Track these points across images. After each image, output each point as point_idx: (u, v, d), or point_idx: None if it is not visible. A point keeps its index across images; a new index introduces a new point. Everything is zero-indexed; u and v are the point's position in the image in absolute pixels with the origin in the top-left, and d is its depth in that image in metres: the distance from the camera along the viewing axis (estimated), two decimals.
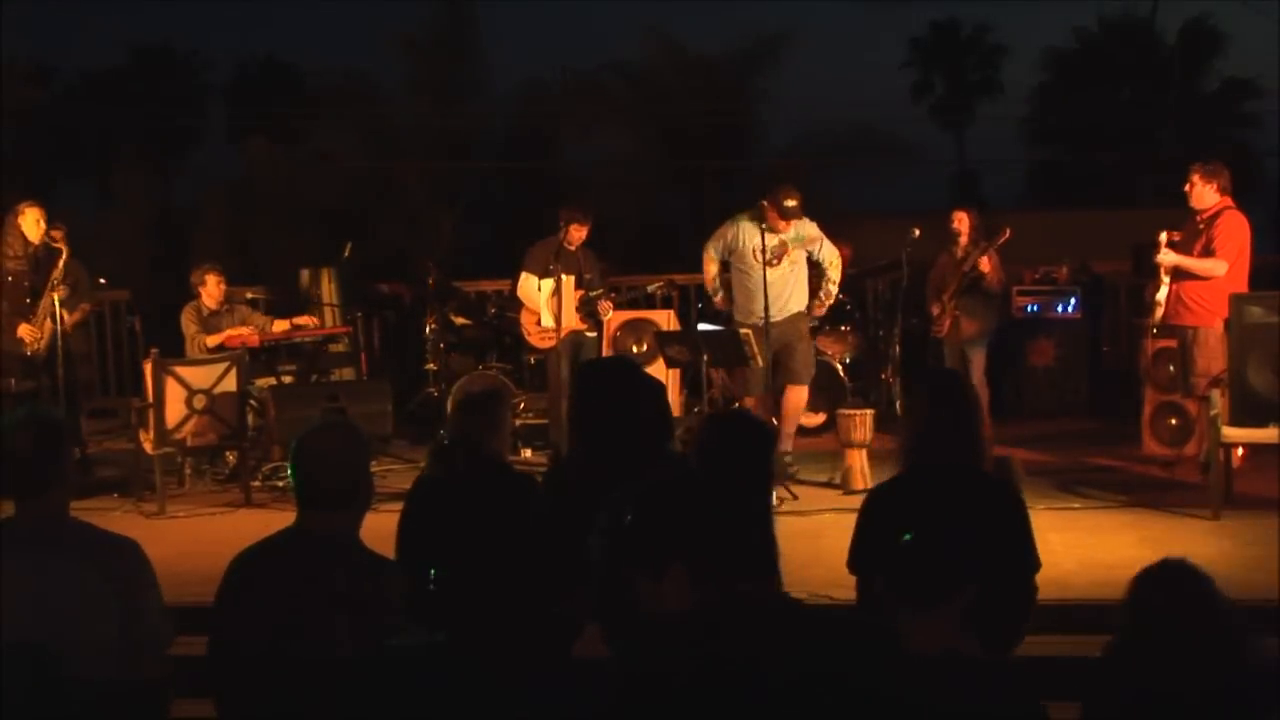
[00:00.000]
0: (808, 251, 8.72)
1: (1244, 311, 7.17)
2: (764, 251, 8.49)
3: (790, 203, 8.48)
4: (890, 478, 4.18)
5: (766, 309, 8.29)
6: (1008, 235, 9.43)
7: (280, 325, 9.86)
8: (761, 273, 8.43)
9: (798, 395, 8.81)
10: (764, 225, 8.51)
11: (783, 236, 8.59)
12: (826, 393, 9.93)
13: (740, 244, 8.67)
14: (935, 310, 9.59)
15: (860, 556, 4.09)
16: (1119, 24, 36.32)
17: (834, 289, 8.81)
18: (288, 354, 9.76)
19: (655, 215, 21.33)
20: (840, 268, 8.86)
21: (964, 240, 9.55)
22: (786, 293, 8.63)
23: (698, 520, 2.68)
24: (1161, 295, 8.14)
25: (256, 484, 8.60)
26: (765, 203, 8.53)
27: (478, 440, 4.92)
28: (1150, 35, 35.12)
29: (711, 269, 8.86)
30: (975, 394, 4.37)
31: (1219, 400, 7.19)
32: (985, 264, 9.36)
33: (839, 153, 23.01)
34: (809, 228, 8.70)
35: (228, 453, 9.01)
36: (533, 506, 4.21)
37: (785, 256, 8.62)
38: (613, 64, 24.73)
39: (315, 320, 10.16)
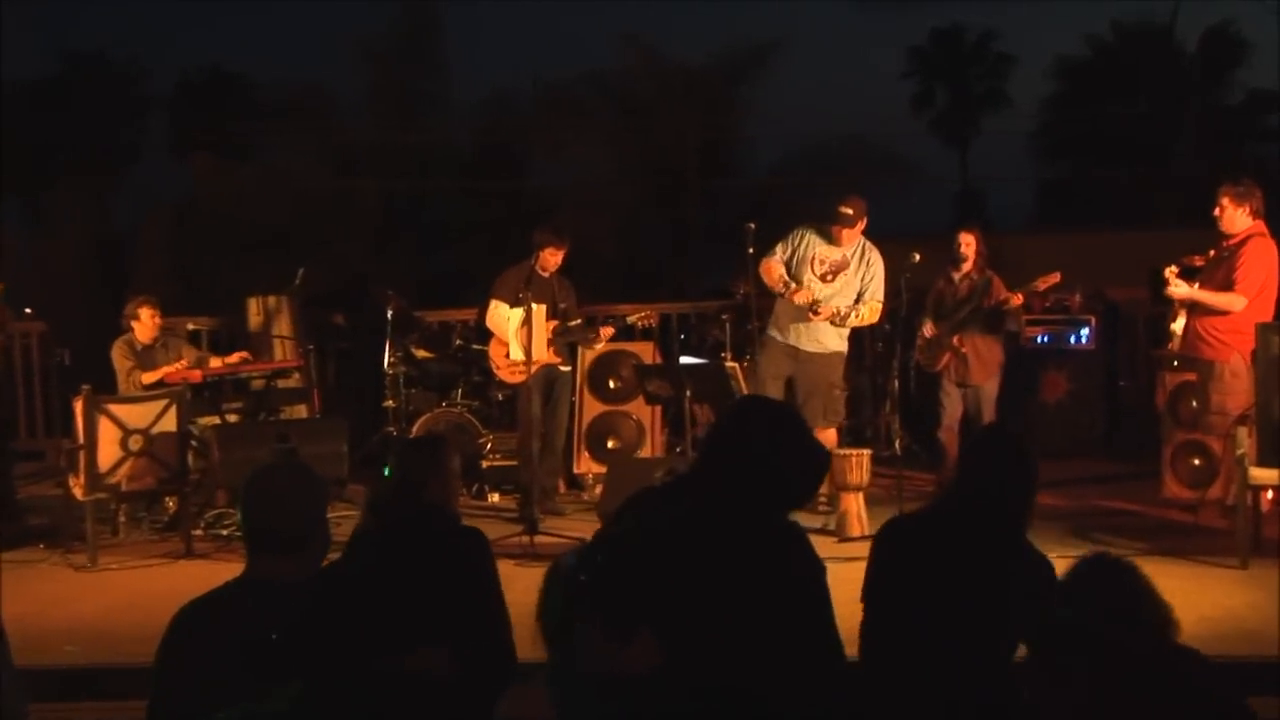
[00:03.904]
0: (861, 287, 8.88)
1: (1271, 342, 7.17)
2: (823, 262, 8.84)
3: (844, 209, 8.78)
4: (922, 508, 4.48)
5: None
6: (1057, 280, 9.43)
7: (216, 363, 9.85)
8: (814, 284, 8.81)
9: (823, 439, 8.89)
10: (828, 236, 8.87)
11: (846, 253, 8.85)
12: None
13: (805, 250, 8.92)
14: (929, 333, 9.53)
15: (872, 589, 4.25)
16: (1135, 31, 36.57)
17: (850, 319, 8.83)
18: (233, 390, 9.73)
19: (634, 238, 21.39)
20: (870, 319, 9.04)
21: (968, 265, 9.57)
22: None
23: (669, 581, 2.68)
24: (1178, 326, 8.18)
25: (199, 532, 8.55)
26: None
27: (419, 482, 4.93)
28: (1169, 43, 35.37)
29: (777, 269, 8.97)
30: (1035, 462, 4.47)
31: (1245, 439, 7.21)
32: (1018, 300, 9.36)
33: (833, 170, 23.09)
34: (876, 262, 8.93)
35: (167, 498, 8.98)
36: (476, 564, 4.19)
37: (841, 275, 8.85)
38: (588, 74, 24.86)
39: (247, 355, 10.14)
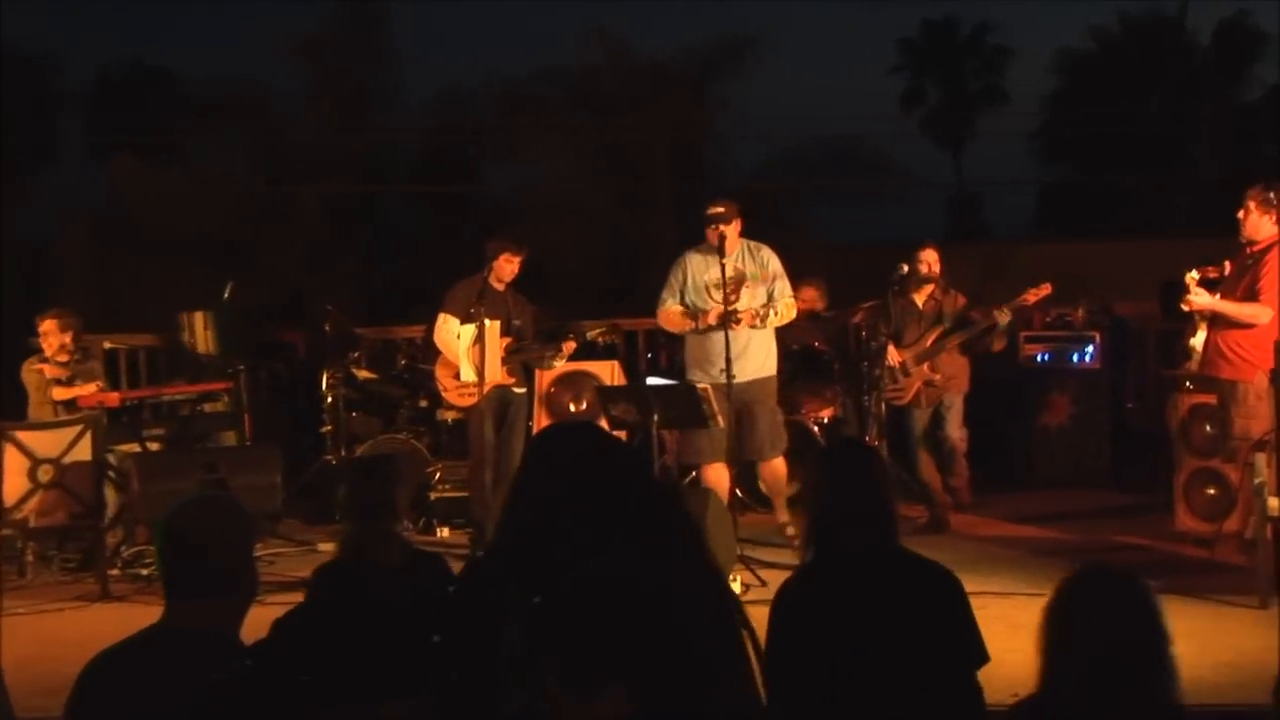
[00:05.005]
0: (769, 291, 8.84)
1: None
2: (721, 286, 8.65)
3: (714, 209, 8.74)
4: (799, 568, 4.38)
5: (728, 360, 8.35)
6: (1047, 292, 9.41)
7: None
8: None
9: (772, 469, 9.03)
10: (711, 254, 8.73)
11: (738, 265, 8.77)
12: (800, 459, 9.90)
13: (692, 280, 8.85)
14: (895, 360, 9.43)
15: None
16: (1144, 23, 36.85)
17: (770, 319, 8.77)
18: (155, 416, 9.68)
19: (597, 248, 21.43)
20: (789, 316, 8.97)
21: (931, 286, 9.55)
22: (744, 340, 8.71)
23: (638, 629, 2.65)
24: (1197, 342, 8.18)
25: (115, 572, 8.52)
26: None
27: (386, 510, 4.95)
28: (1180, 36, 35.66)
29: (674, 309, 8.92)
30: (886, 466, 4.53)
31: (1264, 466, 7.23)
32: (1005, 317, 9.36)
33: (816, 174, 23.23)
34: (771, 259, 8.90)
35: (80, 535, 8.92)
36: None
37: (744, 289, 8.77)
38: (549, 70, 24.90)
39: (100, 384, 10.04)
